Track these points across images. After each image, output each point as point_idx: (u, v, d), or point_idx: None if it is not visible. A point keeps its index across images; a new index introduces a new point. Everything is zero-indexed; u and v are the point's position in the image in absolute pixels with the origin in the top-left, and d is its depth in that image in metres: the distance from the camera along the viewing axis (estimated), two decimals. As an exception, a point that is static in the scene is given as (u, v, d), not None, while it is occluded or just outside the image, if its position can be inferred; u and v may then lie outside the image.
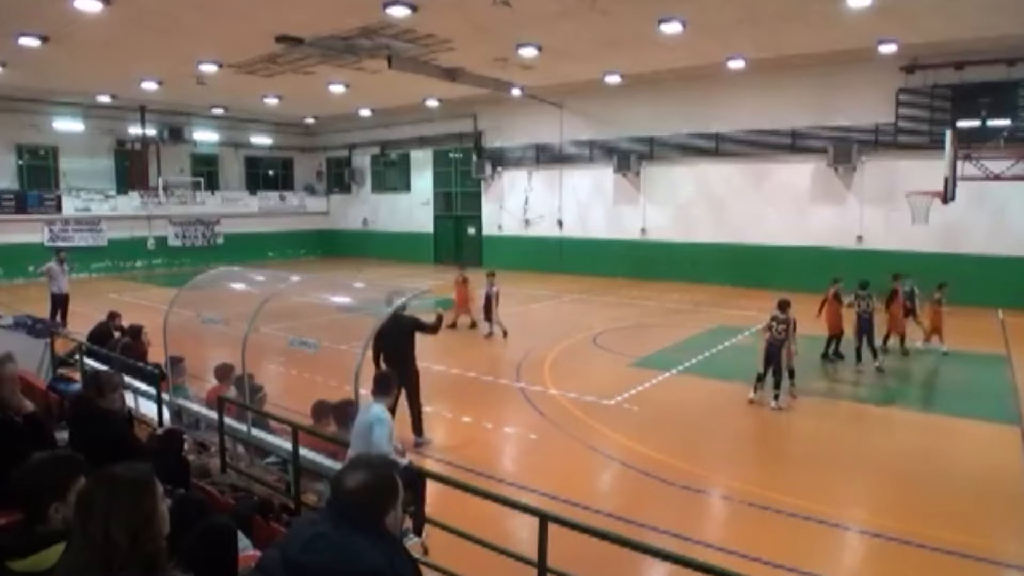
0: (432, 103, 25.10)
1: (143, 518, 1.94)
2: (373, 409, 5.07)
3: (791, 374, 9.56)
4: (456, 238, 28.91)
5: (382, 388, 5.29)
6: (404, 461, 5.18)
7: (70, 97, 23.41)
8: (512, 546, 4.33)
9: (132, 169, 26.95)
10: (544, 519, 3.73)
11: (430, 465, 6.96)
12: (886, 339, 12.35)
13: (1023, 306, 16.26)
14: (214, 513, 3.40)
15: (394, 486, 2.13)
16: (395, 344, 7.57)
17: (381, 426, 4.95)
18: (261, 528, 3.92)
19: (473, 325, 14.83)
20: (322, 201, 33.66)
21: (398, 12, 13.28)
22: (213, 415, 6.16)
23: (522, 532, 5.23)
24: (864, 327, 11.25)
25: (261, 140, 31.42)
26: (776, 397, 9.23)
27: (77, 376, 8.12)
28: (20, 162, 24.56)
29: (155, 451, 4.62)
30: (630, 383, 10.36)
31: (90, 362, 8.18)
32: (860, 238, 19.13)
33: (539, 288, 21.14)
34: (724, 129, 21.01)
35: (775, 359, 9.26)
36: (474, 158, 27.03)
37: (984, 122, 16.36)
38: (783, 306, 9.44)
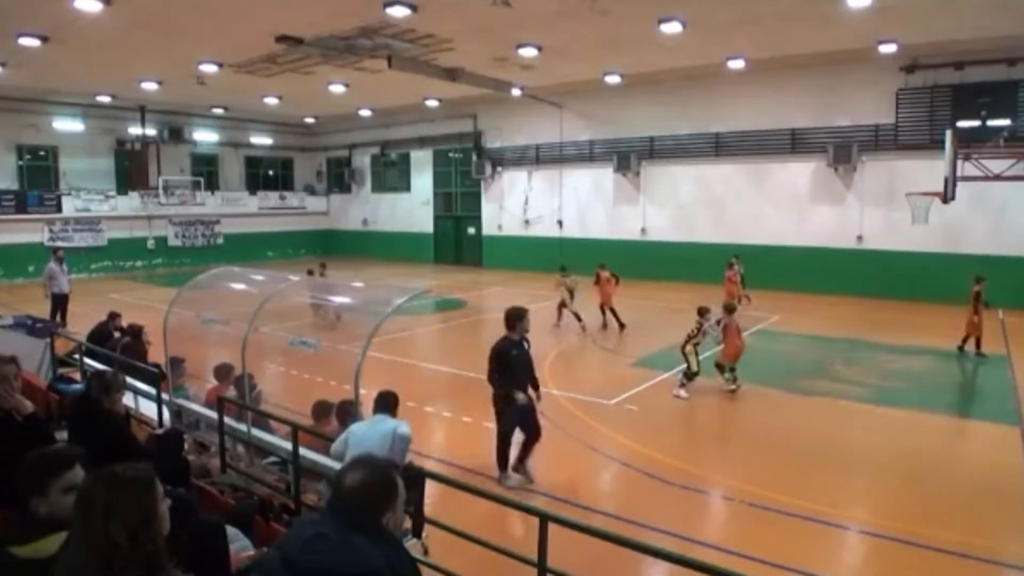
0: (432, 103, 25.10)
1: (143, 518, 1.94)
2: (395, 423, 4.88)
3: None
4: (456, 238, 28.92)
5: (387, 408, 5.11)
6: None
7: (70, 97, 23.41)
8: (512, 546, 4.33)
9: (132, 169, 26.94)
10: (544, 519, 3.73)
11: (430, 465, 6.95)
12: (964, 340, 12.26)
13: (1023, 306, 16.26)
14: (202, 512, 3.41)
15: (393, 485, 2.13)
16: (518, 367, 6.94)
17: (403, 443, 4.85)
18: (261, 528, 3.93)
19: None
20: (322, 201, 33.67)
21: (398, 12, 13.28)
22: (213, 415, 6.16)
23: (522, 532, 5.23)
24: None
25: (261, 140, 31.42)
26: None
27: (77, 376, 8.12)
28: (20, 162, 24.55)
29: (155, 451, 4.62)
30: (630, 383, 10.36)
31: (90, 362, 8.18)
32: (860, 238, 19.13)
33: (539, 288, 21.13)
34: (724, 129, 21.02)
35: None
36: (474, 158, 27.03)
37: (984, 122, 16.36)
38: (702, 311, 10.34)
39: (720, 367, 10.14)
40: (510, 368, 6.80)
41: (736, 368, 10.10)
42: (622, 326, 14.54)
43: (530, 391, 6.95)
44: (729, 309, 10.31)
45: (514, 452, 6.99)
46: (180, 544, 2.72)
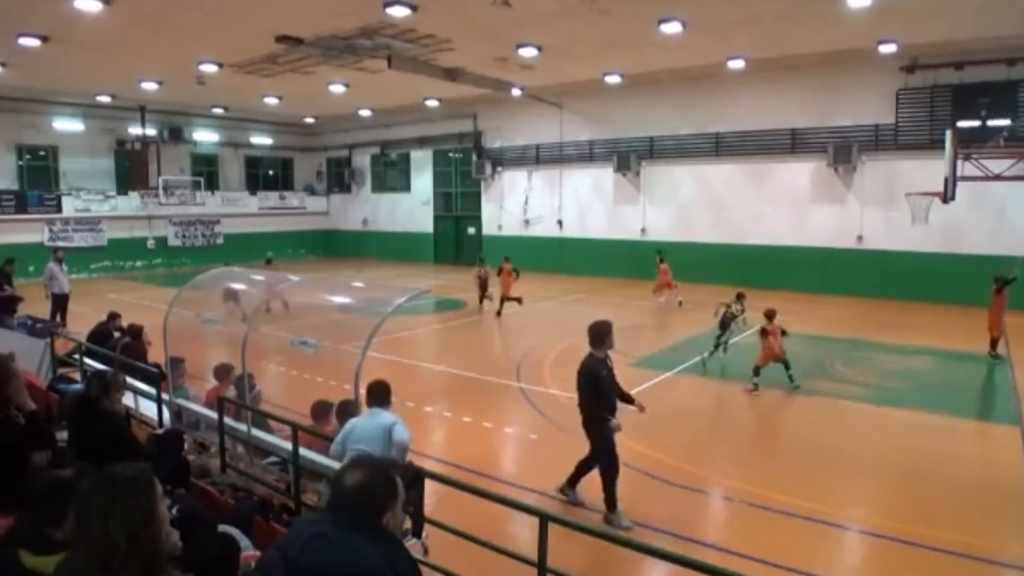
0: (432, 103, 25.10)
1: (142, 518, 1.93)
2: (391, 420, 4.88)
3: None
4: (456, 238, 28.92)
5: (379, 399, 5.03)
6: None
7: (70, 97, 23.41)
8: (512, 546, 4.34)
9: (132, 169, 26.94)
10: (544, 519, 3.73)
11: (430, 465, 6.95)
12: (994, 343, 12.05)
13: (1023, 306, 16.25)
14: (211, 522, 3.41)
15: (393, 485, 2.13)
16: (610, 388, 6.25)
17: (401, 451, 4.83)
18: (261, 528, 3.93)
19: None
20: (322, 201, 33.67)
21: (398, 12, 13.28)
22: (213, 415, 6.16)
23: (522, 532, 5.23)
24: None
25: (261, 140, 31.42)
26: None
27: (77, 376, 8.12)
28: (20, 162, 24.56)
29: (155, 451, 4.63)
30: (630, 383, 10.18)
31: (90, 362, 8.18)
32: (860, 238, 19.13)
33: (539, 288, 21.13)
34: (724, 129, 21.02)
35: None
36: (474, 158, 27.03)
37: (984, 122, 16.36)
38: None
39: (757, 370, 10.20)
40: (603, 390, 6.11)
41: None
42: (500, 308, 16.52)
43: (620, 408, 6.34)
44: (770, 315, 10.40)
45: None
46: (195, 556, 2.73)
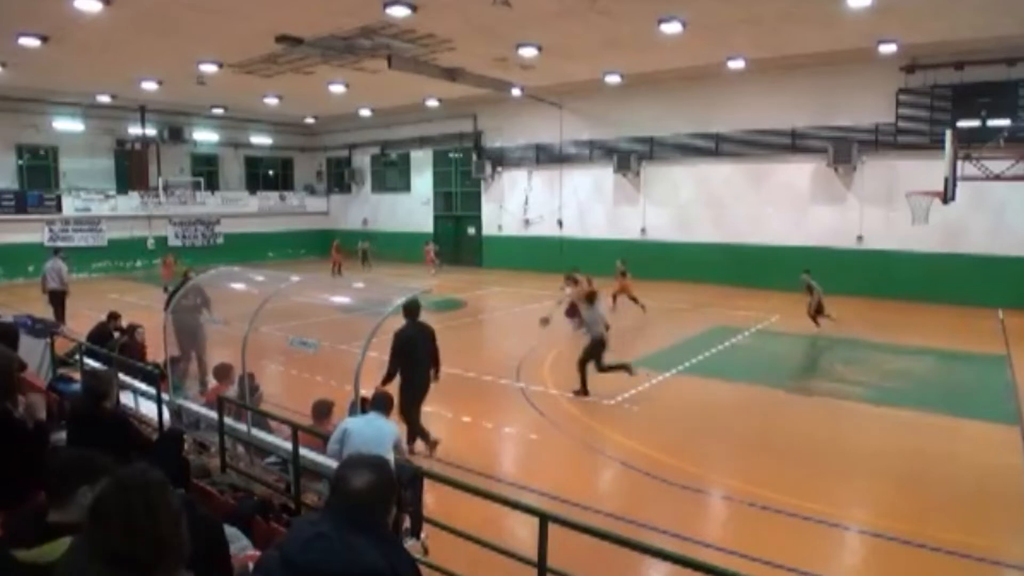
0: (432, 103, 25.11)
1: (155, 521, 1.93)
2: (391, 428, 5.21)
3: None
4: (456, 238, 28.93)
5: (382, 407, 5.39)
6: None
7: (70, 97, 23.41)
8: (512, 546, 4.34)
9: (132, 169, 26.93)
10: (544, 519, 3.74)
11: (430, 465, 6.95)
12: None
13: (1023, 306, 16.26)
14: (201, 510, 3.39)
15: (395, 485, 2.14)
16: (417, 350, 7.46)
17: (397, 438, 5.24)
18: (261, 528, 3.92)
19: None
20: (322, 201, 33.66)
21: (398, 12, 13.28)
22: (213, 415, 6.16)
23: (522, 532, 5.23)
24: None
25: (261, 140, 31.41)
26: None
27: (77, 376, 8.12)
28: (20, 162, 24.55)
29: (155, 451, 4.62)
30: (630, 383, 10.33)
31: (90, 362, 8.18)
32: (860, 238, 19.13)
33: (539, 288, 21.13)
34: (724, 129, 21.01)
35: None
36: (474, 158, 27.03)
37: (984, 122, 16.34)
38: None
39: None
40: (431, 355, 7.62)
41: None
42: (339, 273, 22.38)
43: None
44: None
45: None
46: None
